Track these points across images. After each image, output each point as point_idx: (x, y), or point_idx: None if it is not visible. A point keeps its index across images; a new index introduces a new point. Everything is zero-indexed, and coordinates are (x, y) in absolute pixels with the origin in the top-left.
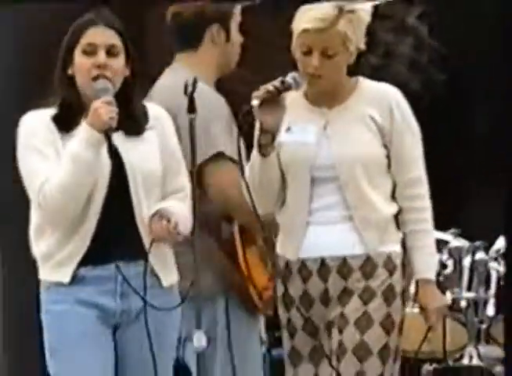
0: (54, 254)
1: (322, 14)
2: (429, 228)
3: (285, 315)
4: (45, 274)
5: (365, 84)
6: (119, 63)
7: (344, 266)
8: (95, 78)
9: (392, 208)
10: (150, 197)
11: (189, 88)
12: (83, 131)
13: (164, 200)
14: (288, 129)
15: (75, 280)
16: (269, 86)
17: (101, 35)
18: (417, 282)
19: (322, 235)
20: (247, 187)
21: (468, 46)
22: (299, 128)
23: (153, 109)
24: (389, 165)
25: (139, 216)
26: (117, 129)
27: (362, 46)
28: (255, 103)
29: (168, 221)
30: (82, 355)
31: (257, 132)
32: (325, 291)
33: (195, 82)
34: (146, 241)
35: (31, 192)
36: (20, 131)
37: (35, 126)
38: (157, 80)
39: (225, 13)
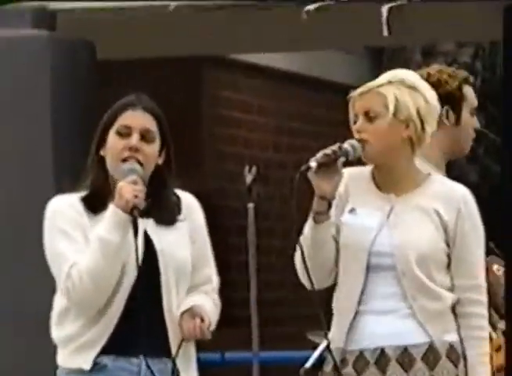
0: (76, 338)
1: (368, 83)
2: (486, 336)
3: None
4: (65, 360)
5: (437, 178)
6: (152, 149)
7: (405, 356)
8: (125, 160)
9: (452, 297)
10: (180, 288)
11: None
12: (109, 212)
13: (191, 292)
14: (352, 210)
15: (96, 368)
16: (327, 150)
17: (137, 118)
18: None
19: (378, 324)
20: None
21: None
22: (363, 211)
23: (186, 198)
24: (449, 264)
25: (168, 309)
26: (147, 214)
27: (430, 129)
28: (313, 164)
29: (202, 320)
30: None
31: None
32: None
33: None
34: (172, 338)
35: (57, 276)
36: (47, 214)
37: (63, 208)
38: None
39: (456, 95)
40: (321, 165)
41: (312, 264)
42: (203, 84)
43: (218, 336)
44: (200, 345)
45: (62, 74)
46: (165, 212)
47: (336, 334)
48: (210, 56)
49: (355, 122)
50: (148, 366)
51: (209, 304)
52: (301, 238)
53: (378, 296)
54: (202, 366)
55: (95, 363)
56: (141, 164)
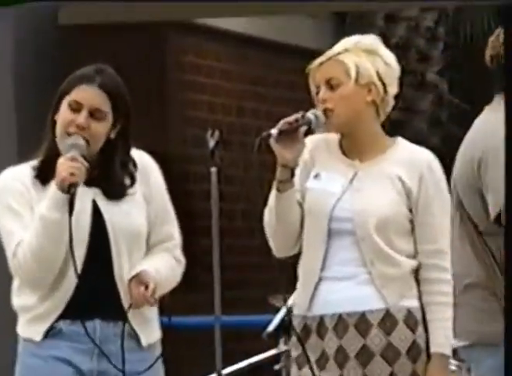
0: (31, 309)
1: (327, 52)
2: (449, 301)
3: (297, 374)
4: (21, 328)
5: (402, 144)
6: (101, 127)
7: (362, 322)
8: (70, 135)
9: (412, 263)
10: (132, 256)
11: None
12: (50, 190)
13: (152, 249)
14: (316, 176)
15: (52, 333)
16: (289, 118)
17: (90, 95)
18: (430, 355)
19: (338, 290)
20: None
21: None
22: (327, 176)
23: (142, 159)
24: (412, 230)
25: (119, 277)
26: (96, 185)
27: (392, 91)
28: (274, 131)
29: (146, 287)
30: None
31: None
32: (340, 349)
33: None
34: (125, 302)
35: (8, 253)
36: None
37: (10, 183)
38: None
39: None
40: (282, 133)
41: (278, 231)
42: (167, 49)
43: (183, 300)
44: (162, 309)
45: (24, 42)
46: (113, 186)
47: (299, 300)
48: (175, 21)
49: (317, 93)
50: (85, 329)
51: (164, 263)
52: (267, 206)
53: (338, 262)
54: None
55: (51, 328)
56: (86, 140)
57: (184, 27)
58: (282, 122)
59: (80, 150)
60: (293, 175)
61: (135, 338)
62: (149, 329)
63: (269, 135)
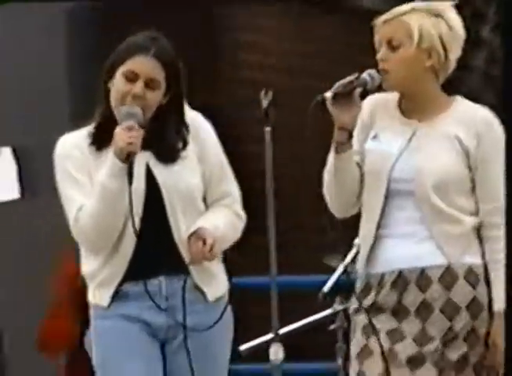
0: (96, 275)
1: (393, 10)
2: (503, 260)
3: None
4: (89, 295)
5: (462, 103)
6: (156, 95)
7: (422, 278)
8: (126, 103)
9: (473, 221)
10: (188, 217)
11: None
12: (109, 159)
13: (211, 207)
14: (375, 137)
15: (119, 296)
16: (343, 80)
17: (145, 66)
18: (492, 313)
19: (398, 248)
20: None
21: None
22: (386, 136)
23: (195, 119)
24: (473, 188)
25: (177, 236)
26: (149, 148)
27: (453, 56)
28: (328, 95)
29: (204, 243)
30: (130, 368)
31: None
32: (400, 304)
33: None
34: (186, 257)
35: (69, 219)
36: (55, 157)
37: (68, 151)
38: None
39: None
40: (337, 96)
41: (337, 192)
42: (216, 9)
43: (238, 260)
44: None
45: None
46: (166, 150)
47: (359, 258)
48: None
49: (378, 49)
50: (146, 284)
51: (224, 219)
52: (326, 168)
53: (397, 221)
54: None
55: (117, 292)
56: (142, 108)
57: None
58: (337, 85)
59: (136, 119)
60: (350, 136)
61: (201, 291)
62: (214, 283)
63: (324, 99)
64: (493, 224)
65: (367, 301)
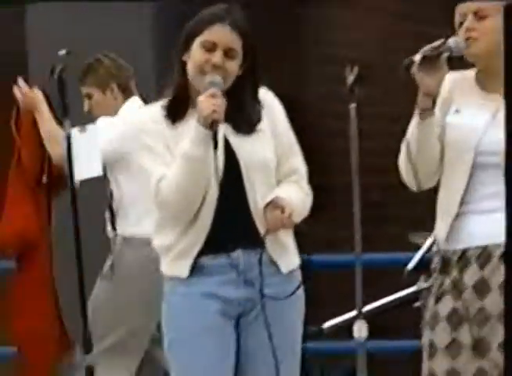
0: (173, 247)
1: None
2: None
3: (434, 307)
4: (165, 267)
5: None
6: (234, 64)
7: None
8: (205, 73)
9: None
10: (264, 187)
11: None
12: (193, 128)
13: (279, 184)
14: (457, 111)
15: (196, 270)
16: (432, 45)
17: (223, 35)
18: None
19: (480, 223)
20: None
21: None
22: (469, 111)
23: (265, 95)
24: None
25: (254, 207)
26: (227, 121)
27: None
28: (417, 57)
29: (282, 211)
30: (203, 347)
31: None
32: (482, 280)
33: None
34: (262, 230)
35: (151, 189)
36: (131, 129)
37: (144, 122)
38: None
39: None
40: (425, 59)
41: (418, 161)
42: None
43: (323, 237)
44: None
45: None
46: (243, 122)
47: (439, 234)
48: None
49: (461, 23)
50: (243, 260)
51: (295, 193)
52: (407, 136)
53: (482, 195)
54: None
55: (194, 266)
56: (222, 78)
57: None
58: (424, 48)
59: (219, 87)
60: (434, 103)
61: (275, 264)
62: (288, 256)
63: (412, 61)
64: None
65: (449, 281)
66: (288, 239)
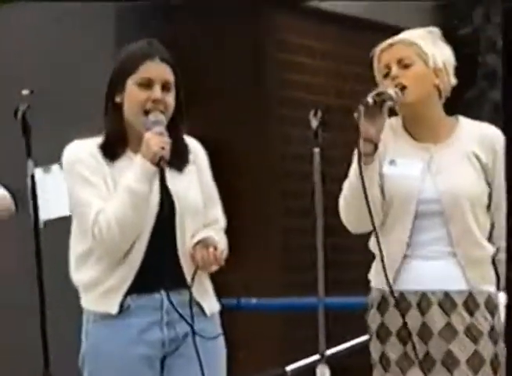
0: (100, 282)
1: (397, 36)
2: None
3: (379, 348)
4: (91, 304)
5: (466, 122)
6: (172, 98)
7: (446, 301)
8: (147, 112)
9: (492, 248)
10: (192, 228)
11: None
12: (137, 163)
13: (202, 231)
14: (392, 162)
15: (121, 310)
16: (376, 91)
17: (158, 70)
18: None
19: (423, 269)
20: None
21: None
22: (403, 161)
23: (191, 143)
24: (489, 206)
25: (182, 247)
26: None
27: (453, 80)
28: (370, 100)
29: (215, 248)
30: None
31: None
32: (423, 325)
33: None
34: (187, 271)
35: (81, 221)
36: (66, 160)
37: (82, 156)
38: None
39: None
40: (369, 107)
41: (358, 205)
42: (267, 27)
43: (284, 280)
44: (257, 291)
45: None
46: (178, 159)
47: (380, 276)
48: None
49: (386, 74)
50: (169, 299)
51: (220, 238)
52: (347, 182)
53: (424, 241)
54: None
55: (120, 306)
56: (163, 113)
57: (285, 5)
58: (371, 94)
59: (163, 125)
60: (376, 148)
61: (198, 306)
62: (210, 299)
63: (367, 104)
64: (503, 248)
65: (395, 324)
66: (208, 282)
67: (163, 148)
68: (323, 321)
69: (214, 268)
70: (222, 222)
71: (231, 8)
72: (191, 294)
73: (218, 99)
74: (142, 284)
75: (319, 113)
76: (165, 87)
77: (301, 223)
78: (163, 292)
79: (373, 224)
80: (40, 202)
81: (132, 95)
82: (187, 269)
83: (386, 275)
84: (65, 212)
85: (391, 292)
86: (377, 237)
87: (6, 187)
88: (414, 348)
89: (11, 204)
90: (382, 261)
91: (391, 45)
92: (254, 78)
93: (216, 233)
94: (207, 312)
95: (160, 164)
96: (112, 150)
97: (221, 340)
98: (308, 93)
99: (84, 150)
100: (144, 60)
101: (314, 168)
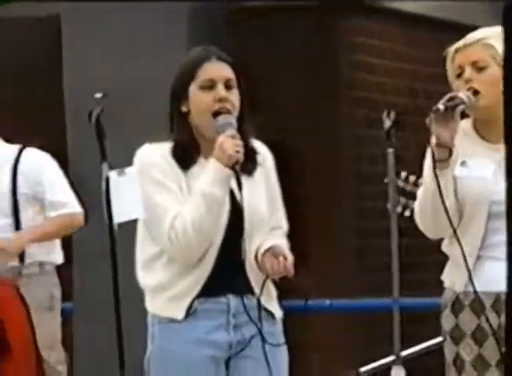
0: (169, 287)
1: (470, 36)
2: None
3: (453, 349)
4: (157, 308)
5: None
6: (236, 95)
7: None
8: (216, 114)
9: None
10: (260, 234)
11: None
12: (212, 167)
13: (268, 237)
14: (463, 163)
15: (187, 314)
16: (448, 96)
17: (217, 69)
18: None
19: (496, 270)
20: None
21: None
22: (475, 162)
23: (257, 144)
24: None
25: (249, 252)
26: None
27: None
28: (441, 107)
29: (285, 257)
30: None
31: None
32: (499, 327)
33: None
34: (252, 278)
35: (155, 225)
36: (140, 163)
37: (155, 158)
38: None
39: None
40: (440, 112)
41: (436, 211)
42: (338, 30)
43: (356, 283)
44: (337, 291)
45: (199, 24)
46: (248, 161)
47: (454, 277)
48: (347, 2)
49: (458, 75)
50: (242, 302)
51: (285, 246)
52: (422, 188)
53: (497, 243)
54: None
55: (190, 307)
56: (231, 114)
57: (354, 7)
58: (442, 100)
59: (235, 127)
60: (450, 154)
61: (265, 310)
62: (274, 304)
63: (438, 110)
64: None
65: (470, 325)
66: (273, 288)
67: (237, 151)
68: (398, 322)
69: (284, 275)
70: (285, 226)
71: (300, 10)
72: (259, 301)
73: (289, 102)
74: (209, 289)
75: (392, 114)
76: (228, 85)
77: (374, 224)
78: (230, 296)
79: (452, 227)
80: (114, 205)
81: (197, 100)
82: (253, 276)
83: (470, 275)
84: (137, 215)
85: (475, 291)
86: (458, 239)
87: (78, 194)
88: (499, 348)
89: (82, 221)
90: (465, 261)
91: (465, 45)
92: (326, 80)
93: (279, 238)
94: (276, 316)
95: (234, 167)
96: (185, 158)
97: (284, 346)
98: (381, 94)
99: (157, 154)
100: (201, 63)
101: (388, 168)
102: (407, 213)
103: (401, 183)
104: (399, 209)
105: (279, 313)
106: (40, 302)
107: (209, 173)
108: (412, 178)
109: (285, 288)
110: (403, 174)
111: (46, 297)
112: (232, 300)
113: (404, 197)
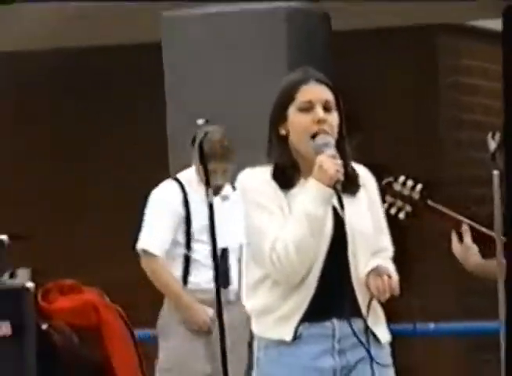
0: (275, 309)
1: None
2: None
3: None
4: (264, 330)
5: None
6: (334, 118)
7: None
8: (314, 135)
9: None
10: (365, 255)
11: None
12: (312, 188)
13: (372, 259)
14: None
15: (295, 337)
16: None
17: (316, 91)
18: None
19: None
20: None
21: None
22: None
23: (360, 169)
24: None
25: (355, 274)
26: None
27: None
28: None
29: (389, 277)
30: None
31: None
32: None
33: None
34: (361, 300)
35: (257, 248)
36: (242, 188)
37: (256, 182)
38: None
39: None
40: None
41: None
42: (439, 52)
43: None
44: (435, 315)
45: (298, 46)
46: (349, 181)
47: None
48: (446, 24)
49: None
50: (350, 326)
51: (390, 266)
52: None
53: None
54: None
55: (296, 331)
56: (329, 134)
57: (454, 29)
58: None
59: (333, 147)
60: None
61: (372, 334)
62: (383, 327)
63: None
64: None
65: None
66: (380, 310)
67: (338, 171)
68: (505, 345)
69: (387, 296)
70: (390, 250)
71: (400, 32)
72: (366, 322)
73: (393, 123)
74: (314, 311)
75: (497, 136)
76: (326, 107)
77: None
78: (335, 320)
79: None
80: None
81: (296, 122)
82: (362, 298)
83: None
84: (241, 240)
85: None
86: None
87: None
88: None
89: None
90: None
91: None
92: (431, 101)
93: (385, 261)
94: (382, 340)
95: (335, 187)
96: (286, 180)
97: (392, 369)
98: (485, 115)
99: (258, 178)
100: (299, 86)
101: (493, 190)
102: (401, 216)
103: (398, 187)
104: (393, 211)
105: (385, 338)
106: None
107: (310, 193)
108: (409, 183)
109: (391, 311)
110: (401, 178)
111: None
112: (337, 324)
113: (401, 200)
